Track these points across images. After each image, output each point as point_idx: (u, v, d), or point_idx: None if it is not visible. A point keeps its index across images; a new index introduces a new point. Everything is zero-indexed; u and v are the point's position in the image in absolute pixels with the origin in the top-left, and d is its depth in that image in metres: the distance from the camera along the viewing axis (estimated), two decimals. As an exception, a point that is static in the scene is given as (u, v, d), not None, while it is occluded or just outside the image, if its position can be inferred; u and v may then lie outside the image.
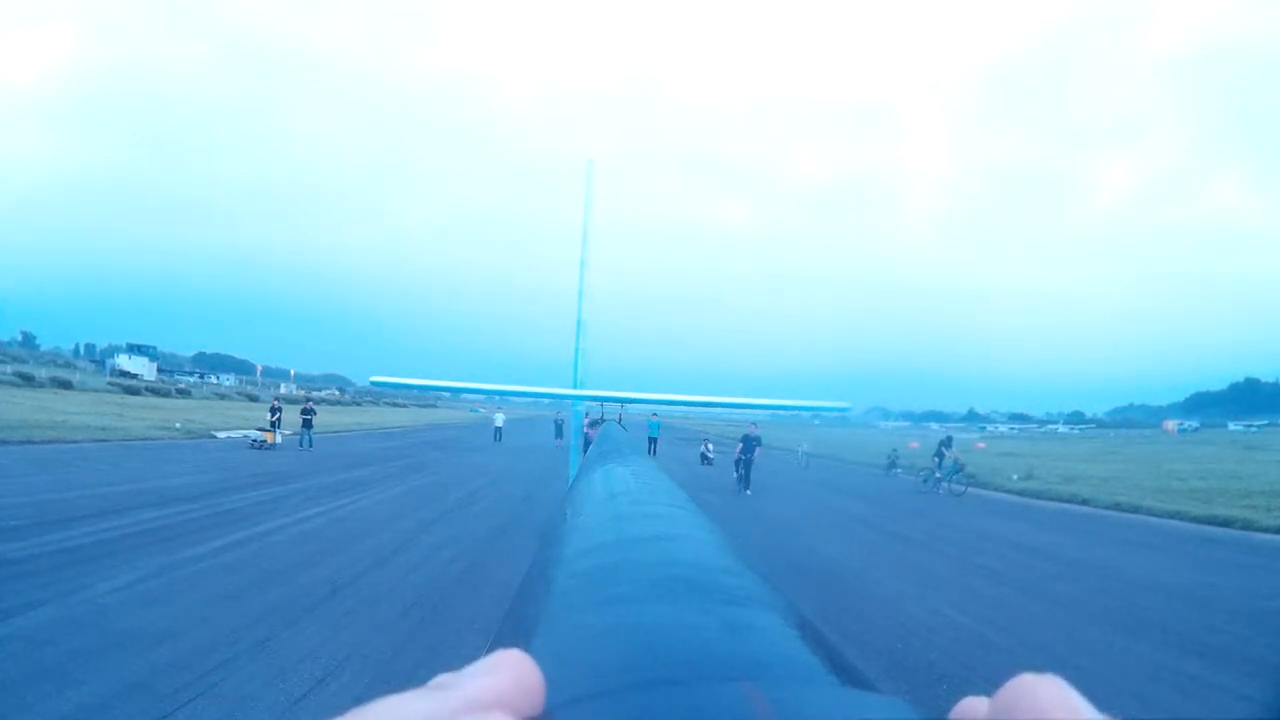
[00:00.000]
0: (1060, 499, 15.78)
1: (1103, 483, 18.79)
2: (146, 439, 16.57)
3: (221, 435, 19.08)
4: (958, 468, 16.38)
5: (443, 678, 0.19)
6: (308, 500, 9.26)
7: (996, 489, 17.69)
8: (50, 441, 13.83)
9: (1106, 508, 14.44)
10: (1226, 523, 12.42)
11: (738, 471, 13.97)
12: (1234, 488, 17.45)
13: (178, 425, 19.72)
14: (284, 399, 24.77)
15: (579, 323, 4.58)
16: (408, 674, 3.63)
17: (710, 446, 20.99)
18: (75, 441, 14.32)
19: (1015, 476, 19.25)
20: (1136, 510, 13.91)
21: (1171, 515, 13.23)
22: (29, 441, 13.36)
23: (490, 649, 0.41)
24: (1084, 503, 15.12)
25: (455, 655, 3.85)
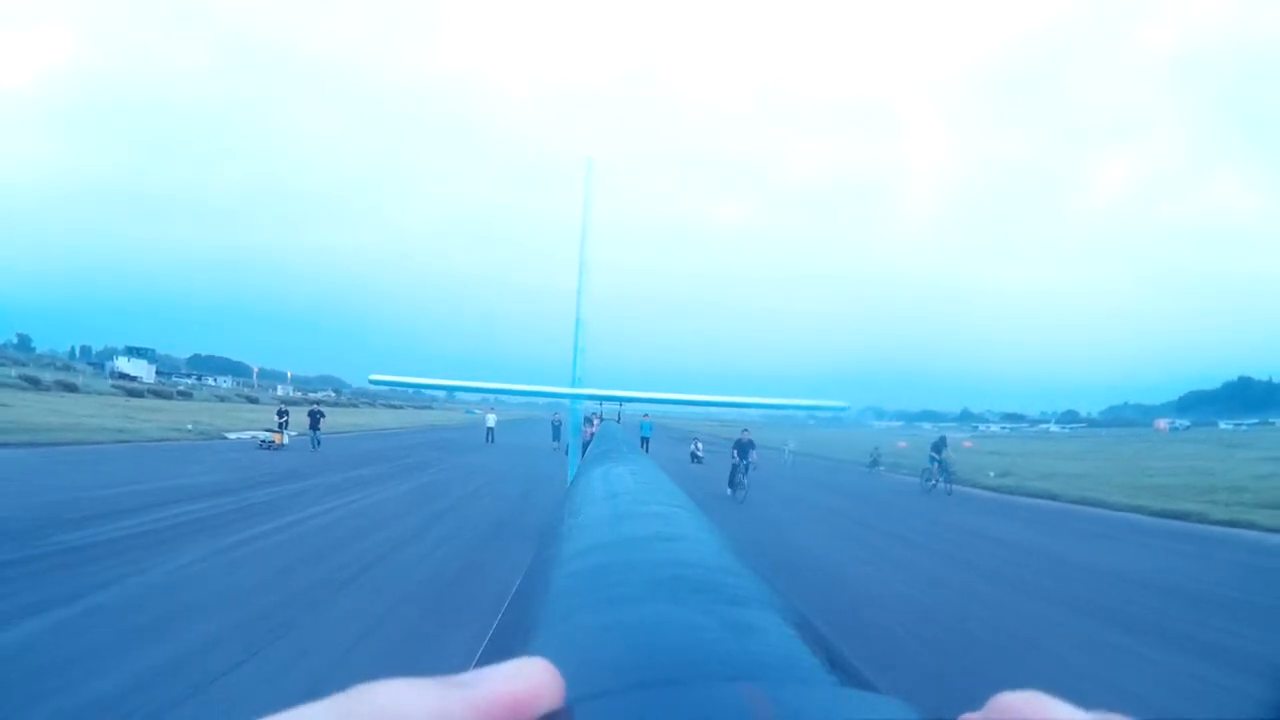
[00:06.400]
0: (1032, 494, 16.68)
1: (1076, 479, 19.66)
2: (162, 440, 17.34)
3: (232, 436, 19.82)
4: (947, 467, 16.69)
5: (460, 677, 0.19)
6: (325, 495, 10.04)
7: (973, 485, 18.52)
8: (75, 443, 14.57)
9: (1073, 502, 15.33)
10: (1182, 516, 13.26)
11: (733, 479, 13.05)
12: (1201, 484, 18.31)
13: (189, 427, 20.46)
14: (282, 400, 25.47)
15: (578, 321, 4.59)
16: (432, 637, 4.41)
17: (700, 445, 21.78)
18: (98, 443, 15.07)
19: (992, 474, 20.12)
20: (1101, 505, 14.79)
21: (1133, 509, 14.09)
22: (55, 444, 14.11)
23: (489, 649, 0.74)
24: (1053, 498, 16.00)
25: (476, 624, 4.64)
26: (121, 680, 3.37)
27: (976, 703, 0.22)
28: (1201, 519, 12.92)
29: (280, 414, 19.66)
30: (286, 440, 18.85)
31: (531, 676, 0.19)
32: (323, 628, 4.38)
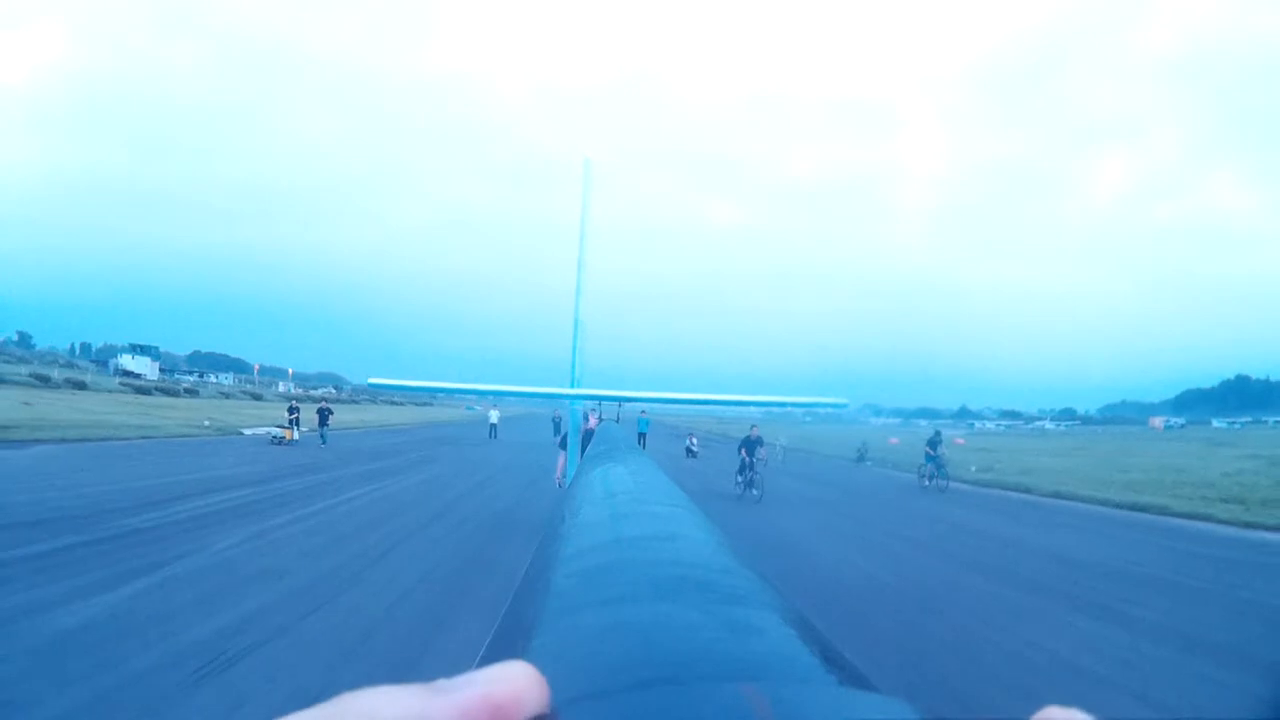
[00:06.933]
0: (1007, 487, 17.58)
1: (1053, 474, 20.54)
2: (184, 436, 18.22)
3: (248, 432, 20.70)
4: (940, 464, 16.94)
5: (443, 682, 0.19)
6: (347, 485, 10.92)
7: (956, 480, 19.37)
8: (105, 439, 15.45)
9: (1045, 495, 16.21)
10: (1144, 509, 14.10)
11: (741, 476, 12.79)
12: (1171, 480, 19.18)
13: (207, 423, 21.35)
14: (286, 398, 26.35)
15: (576, 321, 4.60)
16: (464, 591, 5.27)
17: (694, 440, 22.62)
18: (126, 439, 15.94)
19: (974, 469, 21.00)
20: (1071, 498, 15.64)
21: (1098, 502, 14.96)
22: (86, 439, 14.97)
23: (489, 648, 0.54)
24: (1026, 491, 16.90)
25: (500, 578, 5.50)
26: (213, 628, 4.26)
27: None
28: (1161, 511, 13.77)
29: (291, 411, 20.54)
30: (297, 436, 19.73)
31: (514, 680, 0.19)
32: (377, 584, 5.28)
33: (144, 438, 16.57)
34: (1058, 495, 16.11)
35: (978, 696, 3.84)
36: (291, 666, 3.69)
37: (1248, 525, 12.10)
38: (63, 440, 14.37)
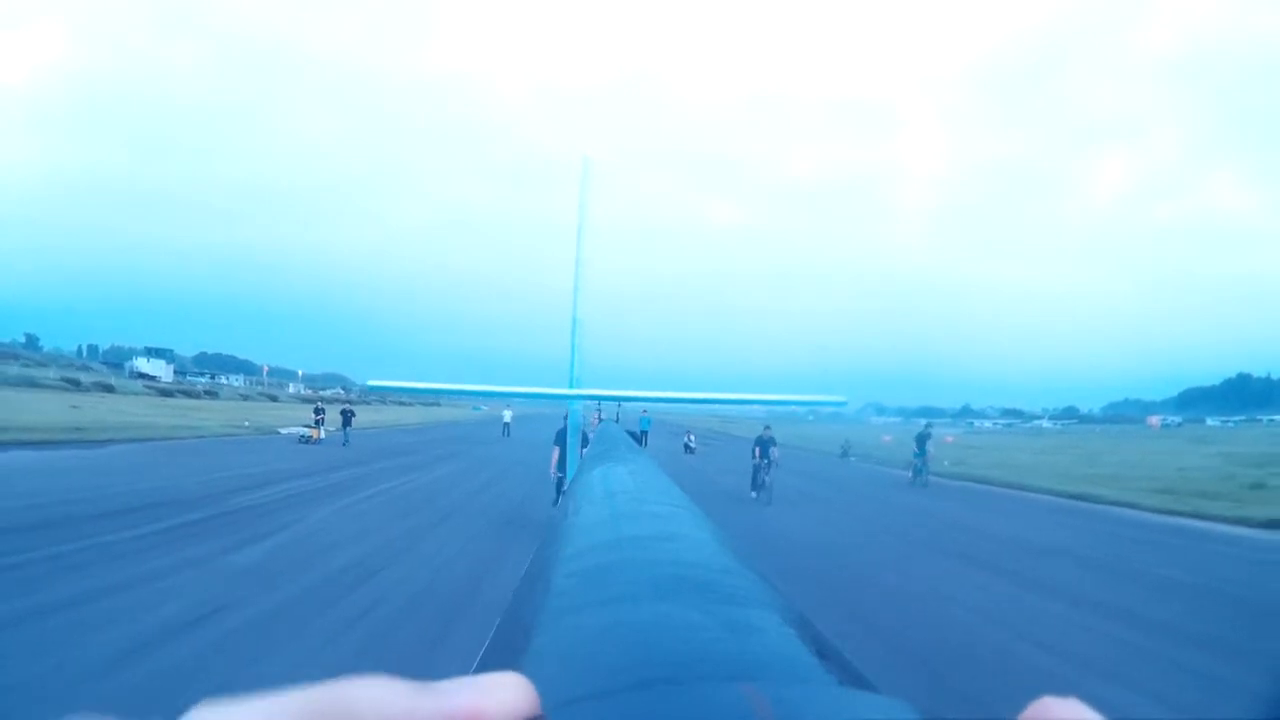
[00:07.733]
0: (971, 480, 19.38)
1: (1020, 469, 22.26)
2: (229, 435, 20.18)
3: (284, 432, 22.61)
4: (925, 459, 17.86)
5: (437, 684, 0.19)
6: (385, 476, 12.79)
7: (932, 474, 21.13)
8: (165, 438, 17.35)
9: (1002, 486, 18.01)
10: (1084, 498, 15.71)
11: (756, 479, 12.68)
12: (1128, 474, 20.87)
13: (247, 424, 23.30)
14: (299, 399, 28.04)
15: (574, 321, 4.60)
16: (504, 558, 7.13)
17: (692, 437, 24.27)
18: (179, 439, 17.84)
19: (946, 463, 22.73)
20: (1022, 489, 17.39)
21: (1046, 491, 16.65)
22: (147, 439, 16.87)
23: (489, 647, 0.59)
24: (988, 483, 18.68)
25: (521, 548, 7.35)
26: (312, 579, 6.16)
27: (992, 706, 0.25)
28: (1096, 500, 15.41)
29: (317, 411, 22.33)
30: (323, 435, 21.46)
31: (504, 691, 0.20)
32: (438, 544, 7.24)
33: (197, 437, 18.50)
34: (1009, 486, 17.93)
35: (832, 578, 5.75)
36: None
37: (1166, 512, 13.74)
38: (131, 440, 16.24)
